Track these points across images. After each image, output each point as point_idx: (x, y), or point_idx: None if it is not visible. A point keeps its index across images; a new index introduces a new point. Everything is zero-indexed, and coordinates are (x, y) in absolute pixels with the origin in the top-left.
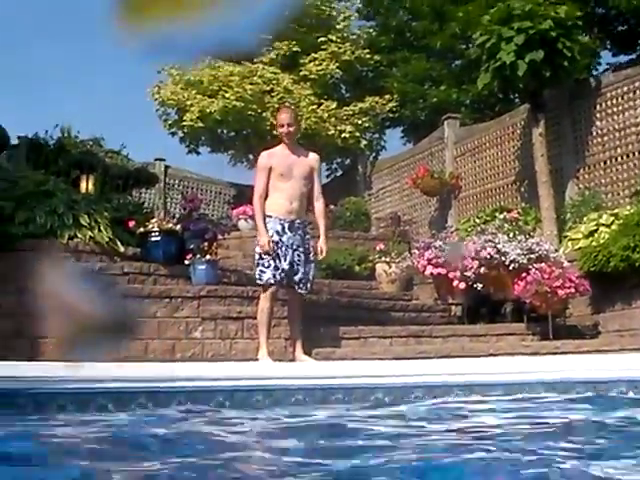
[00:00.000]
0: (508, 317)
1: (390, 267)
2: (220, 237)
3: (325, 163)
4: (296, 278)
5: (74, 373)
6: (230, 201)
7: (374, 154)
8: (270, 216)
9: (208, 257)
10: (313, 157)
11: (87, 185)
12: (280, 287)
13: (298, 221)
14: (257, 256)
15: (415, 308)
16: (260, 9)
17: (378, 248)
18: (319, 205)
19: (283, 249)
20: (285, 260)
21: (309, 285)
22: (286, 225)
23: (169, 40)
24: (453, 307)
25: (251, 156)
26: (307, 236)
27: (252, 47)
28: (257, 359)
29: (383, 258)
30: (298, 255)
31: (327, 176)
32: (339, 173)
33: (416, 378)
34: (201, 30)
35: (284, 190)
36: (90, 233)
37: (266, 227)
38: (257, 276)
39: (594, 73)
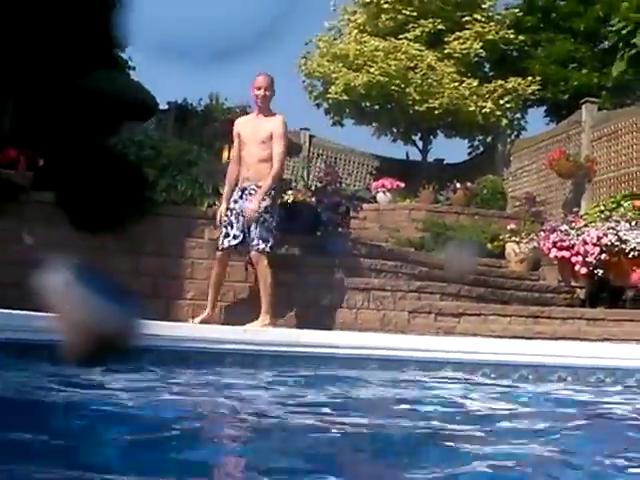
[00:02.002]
0: (628, 304)
1: (519, 247)
2: (352, 210)
3: (467, 140)
4: (247, 241)
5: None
6: (372, 172)
7: (515, 134)
8: (237, 184)
9: (340, 230)
10: (275, 120)
11: (229, 154)
12: (231, 253)
13: (252, 186)
14: None
15: (540, 289)
16: None
17: (509, 227)
18: (272, 169)
19: (232, 216)
20: (234, 227)
21: (255, 245)
22: (239, 192)
23: None
24: (578, 290)
25: (394, 129)
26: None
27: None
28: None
29: (513, 237)
30: (243, 222)
31: (468, 153)
32: (480, 150)
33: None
34: None
35: (244, 157)
36: None
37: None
38: None
39: None
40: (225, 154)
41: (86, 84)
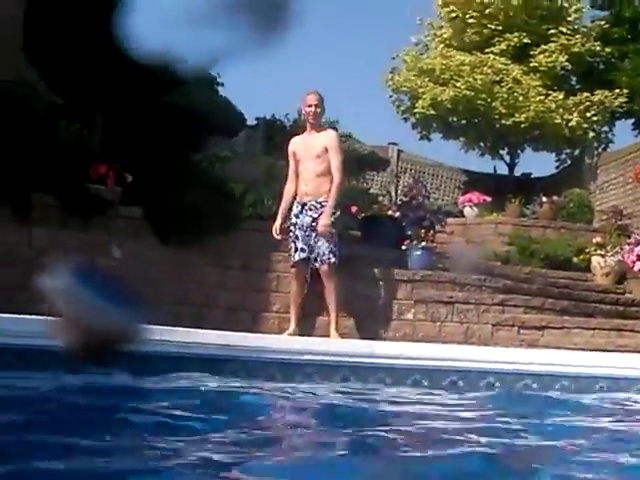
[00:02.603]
0: None
1: (605, 260)
2: (438, 226)
3: (554, 153)
4: (313, 255)
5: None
6: (460, 187)
7: (602, 146)
8: (296, 200)
9: (424, 244)
10: (327, 134)
11: None
12: (305, 267)
13: (311, 202)
14: None
15: (625, 302)
16: None
17: (595, 241)
18: (333, 183)
19: (297, 231)
20: (301, 240)
21: (326, 259)
22: (299, 207)
23: None
24: None
25: (482, 144)
26: (319, 215)
27: None
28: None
29: (599, 251)
30: (308, 235)
31: (556, 167)
32: (567, 164)
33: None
34: None
35: (301, 173)
36: None
37: (287, 213)
38: None
39: None
40: None
41: (173, 100)
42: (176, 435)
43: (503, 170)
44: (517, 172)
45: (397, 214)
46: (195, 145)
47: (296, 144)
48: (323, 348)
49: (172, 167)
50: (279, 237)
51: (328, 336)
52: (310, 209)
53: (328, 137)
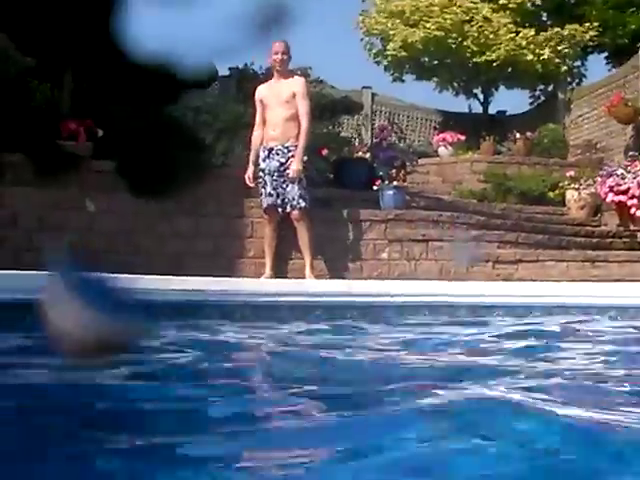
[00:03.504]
0: None
1: (579, 193)
2: (408, 164)
3: (528, 90)
4: (280, 201)
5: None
6: (436, 127)
7: (576, 81)
8: (263, 145)
9: (396, 183)
10: (295, 80)
11: None
12: (275, 212)
13: (278, 147)
14: None
15: (600, 234)
16: None
17: (568, 175)
18: (301, 128)
19: (265, 176)
20: (269, 185)
21: (296, 204)
22: (266, 152)
23: None
24: (639, 234)
25: (455, 84)
26: (287, 160)
27: None
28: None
29: (573, 185)
30: (275, 180)
31: (530, 103)
32: (541, 100)
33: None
34: None
35: (269, 118)
36: None
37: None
38: None
39: None
40: None
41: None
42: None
43: (478, 109)
44: (492, 110)
45: (368, 155)
46: (167, 97)
47: (263, 91)
48: (299, 289)
49: (143, 119)
50: (252, 184)
51: (303, 278)
52: (277, 154)
53: (296, 83)
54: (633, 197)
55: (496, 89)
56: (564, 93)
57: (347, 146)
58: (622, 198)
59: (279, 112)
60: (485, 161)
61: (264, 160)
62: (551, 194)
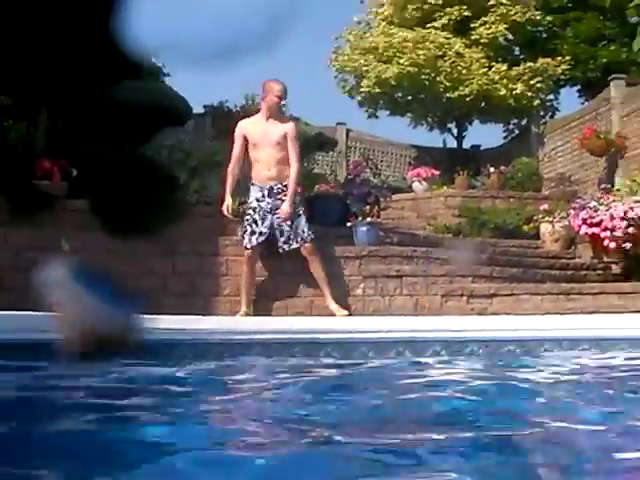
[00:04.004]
0: None
1: (553, 226)
2: (382, 200)
3: (502, 124)
4: (282, 238)
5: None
6: (411, 162)
7: (549, 115)
8: (253, 184)
9: (369, 219)
10: (288, 124)
11: None
12: (259, 251)
13: (278, 186)
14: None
15: (574, 267)
16: None
17: (542, 208)
18: (291, 170)
19: (261, 214)
20: (263, 224)
21: (299, 239)
22: (265, 192)
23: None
24: (613, 266)
25: (430, 119)
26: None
27: None
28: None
29: (547, 218)
30: (278, 217)
31: (504, 137)
32: (515, 134)
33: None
34: None
35: (260, 158)
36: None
37: (239, 194)
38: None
39: None
40: None
41: (116, 94)
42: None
43: (453, 144)
44: (466, 145)
45: (341, 192)
46: (140, 136)
47: (249, 127)
48: (276, 327)
49: (117, 159)
50: (230, 216)
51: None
52: (278, 192)
53: (288, 126)
54: (606, 229)
55: (470, 123)
56: (537, 127)
57: (321, 183)
58: (595, 230)
59: (271, 152)
60: (459, 196)
61: (259, 200)
62: (525, 227)
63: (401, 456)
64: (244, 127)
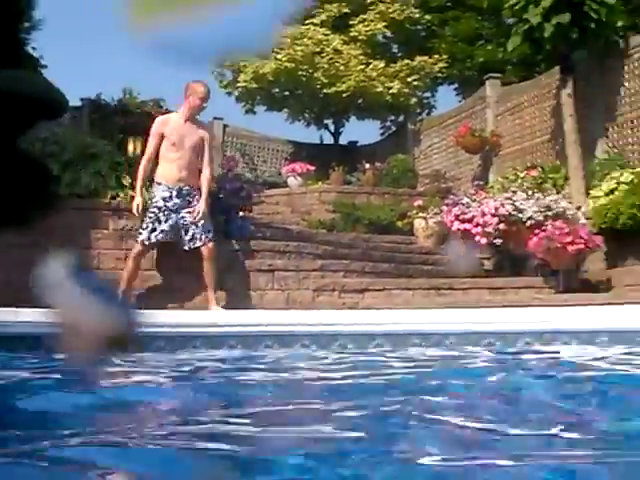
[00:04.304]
0: (534, 272)
1: (426, 222)
2: (255, 195)
3: (379, 121)
4: (187, 237)
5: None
6: (287, 158)
7: (426, 112)
8: (160, 183)
9: (242, 214)
10: (206, 131)
11: (134, 147)
12: (152, 248)
13: (187, 188)
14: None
15: (447, 262)
16: None
17: (416, 204)
18: (204, 174)
19: (166, 213)
20: (166, 222)
21: (204, 238)
22: (174, 192)
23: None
24: (485, 261)
25: (307, 114)
26: (194, 200)
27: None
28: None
29: (420, 214)
30: (183, 217)
31: (381, 134)
32: (392, 131)
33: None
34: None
35: (176, 159)
36: (131, 192)
37: (145, 191)
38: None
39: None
40: (130, 146)
41: None
42: None
43: (330, 140)
44: (343, 141)
45: (214, 186)
46: (16, 127)
47: (168, 127)
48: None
49: None
50: (137, 215)
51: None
52: (187, 194)
53: (206, 132)
54: (478, 225)
55: (347, 120)
56: (414, 124)
57: None
58: (467, 226)
59: (187, 156)
60: (334, 191)
61: (167, 199)
62: (399, 223)
63: None
64: (163, 123)
